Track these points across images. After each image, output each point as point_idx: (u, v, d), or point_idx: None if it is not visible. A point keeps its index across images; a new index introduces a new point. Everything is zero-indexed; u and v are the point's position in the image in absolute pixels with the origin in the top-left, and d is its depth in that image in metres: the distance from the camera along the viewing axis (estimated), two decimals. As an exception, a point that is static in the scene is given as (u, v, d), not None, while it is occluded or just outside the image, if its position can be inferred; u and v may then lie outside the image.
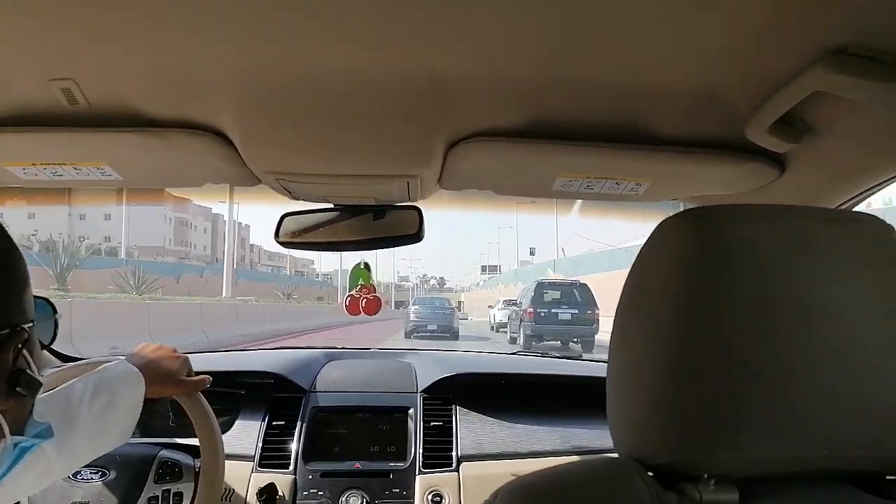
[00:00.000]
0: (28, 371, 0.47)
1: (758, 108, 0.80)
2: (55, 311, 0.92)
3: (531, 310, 14.57)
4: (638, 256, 0.56)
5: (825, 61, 0.66)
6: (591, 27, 0.68)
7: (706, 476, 0.49)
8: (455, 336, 17.47)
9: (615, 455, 0.56)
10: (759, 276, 0.48)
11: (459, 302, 30.45)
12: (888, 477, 0.52)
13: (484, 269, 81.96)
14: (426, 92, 0.81)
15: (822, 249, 0.50)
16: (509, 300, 21.42)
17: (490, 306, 25.31)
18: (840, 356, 0.48)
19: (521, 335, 14.77)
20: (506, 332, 18.48)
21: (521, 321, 15.35)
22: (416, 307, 19.63)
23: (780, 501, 0.51)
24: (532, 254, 61.59)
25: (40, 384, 0.48)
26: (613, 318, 0.58)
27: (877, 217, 0.53)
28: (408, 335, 17.12)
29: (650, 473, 0.51)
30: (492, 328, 22.51)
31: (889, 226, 0.53)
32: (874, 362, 0.48)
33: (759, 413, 0.47)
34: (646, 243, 0.55)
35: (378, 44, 0.72)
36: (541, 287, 15.53)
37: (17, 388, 0.46)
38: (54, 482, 0.89)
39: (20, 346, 0.46)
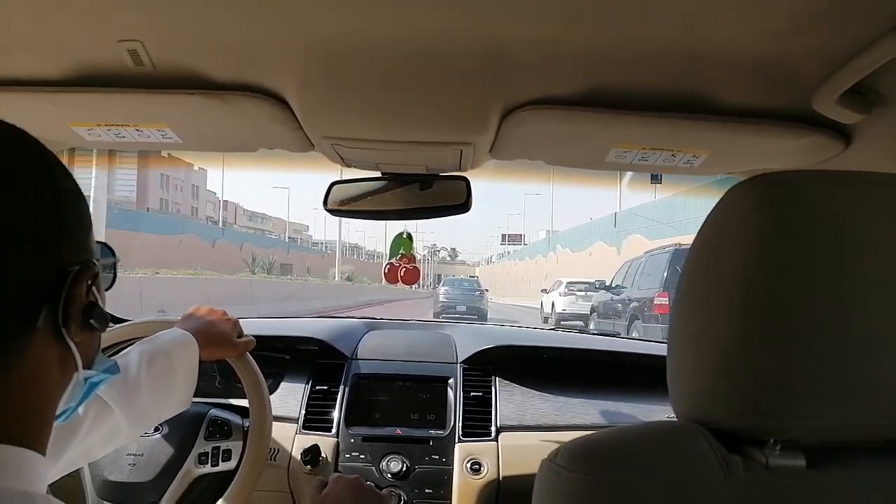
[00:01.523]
0: (98, 305, 0.48)
1: (829, 76, 0.77)
2: (114, 255, 0.95)
3: (663, 300, 8.03)
4: (703, 225, 0.55)
5: None
6: None
7: (772, 441, 0.49)
8: (483, 318, 17.50)
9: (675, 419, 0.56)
10: (834, 242, 0.47)
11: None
12: None
13: (504, 238, 71.12)
14: (483, 58, 0.81)
15: None
16: (579, 282, 16.00)
17: (544, 290, 19.12)
18: None
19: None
20: (580, 328, 11.86)
21: (633, 318, 9.20)
22: (446, 288, 19.71)
23: (846, 469, 0.50)
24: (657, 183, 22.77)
25: (108, 319, 0.50)
26: (677, 286, 0.57)
27: None
28: (436, 316, 17.19)
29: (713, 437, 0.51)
30: (545, 320, 16.91)
31: None
32: None
33: (831, 379, 0.46)
34: (712, 212, 0.54)
35: (437, 9, 0.71)
36: (679, 257, 8.19)
37: (91, 321, 0.47)
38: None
39: (90, 281, 0.48)
